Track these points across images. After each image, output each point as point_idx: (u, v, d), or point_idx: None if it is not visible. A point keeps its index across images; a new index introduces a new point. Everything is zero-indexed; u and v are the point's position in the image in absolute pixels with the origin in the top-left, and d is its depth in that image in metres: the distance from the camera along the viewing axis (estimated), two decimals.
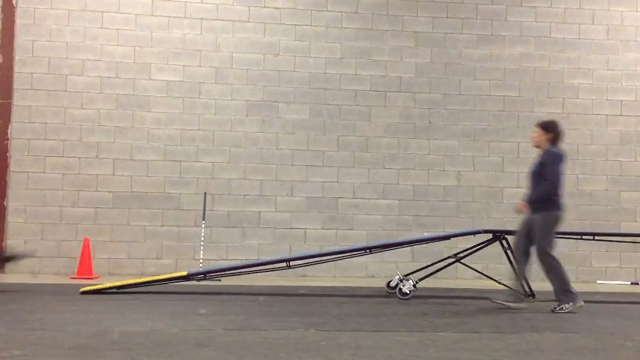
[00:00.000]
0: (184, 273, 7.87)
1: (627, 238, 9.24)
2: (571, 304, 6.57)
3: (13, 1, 9.96)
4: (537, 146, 6.96)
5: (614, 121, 10.89)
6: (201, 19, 10.35)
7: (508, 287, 7.02)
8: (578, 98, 10.88)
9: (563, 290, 6.64)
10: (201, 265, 9.47)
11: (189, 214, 10.07)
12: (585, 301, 6.99)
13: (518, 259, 6.94)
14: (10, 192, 9.84)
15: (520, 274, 6.93)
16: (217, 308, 6.34)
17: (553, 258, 6.68)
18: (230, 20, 10.41)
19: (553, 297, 7.81)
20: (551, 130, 6.87)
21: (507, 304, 6.69)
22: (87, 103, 10.07)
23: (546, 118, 7.77)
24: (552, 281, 6.71)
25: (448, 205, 10.54)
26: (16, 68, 9.95)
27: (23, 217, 9.83)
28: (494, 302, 6.77)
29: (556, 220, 6.72)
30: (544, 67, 10.86)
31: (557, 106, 10.82)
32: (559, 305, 6.61)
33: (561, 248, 10.43)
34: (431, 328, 5.33)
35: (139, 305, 6.41)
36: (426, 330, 5.21)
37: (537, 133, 6.93)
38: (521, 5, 10.88)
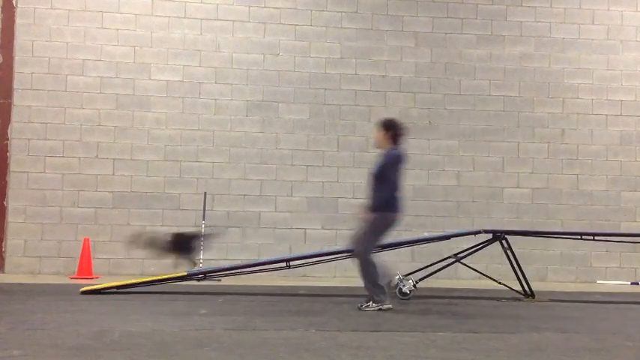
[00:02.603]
0: (184, 273, 7.87)
1: (627, 238, 9.23)
2: (379, 304, 6.30)
3: (13, 1, 9.96)
4: (379, 146, 6.61)
5: (614, 121, 10.88)
6: (201, 19, 10.35)
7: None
8: (578, 98, 10.87)
9: (375, 290, 6.33)
10: (201, 265, 9.46)
11: (189, 214, 10.07)
12: (585, 301, 6.99)
13: (370, 263, 6.38)
14: (10, 192, 9.84)
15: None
16: (217, 308, 6.34)
17: (370, 262, 6.33)
18: (230, 20, 10.41)
19: (553, 297, 7.83)
20: (391, 128, 6.53)
21: (379, 306, 6.30)
22: (87, 103, 10.07)
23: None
24: (364, 280, 6.39)
25: (448, 205, 10.53)
26: (16, 68, 9.95)
27: (23, 217, 9.84)
28: (363, 309, 6.32)
29: (390, 224, 6.40)
30: (544, 67, 10.86)
31: (557, 106, 10.81)
32: (367, 302, 6.34)
33: (561, 248, 10.51)
34: (431, 328, 5.32)
35: (139, 305, 6.40)
36: (426, 330, 5.20)
37: (378, 133, 6.59)
38: (521, 5, 10.87)
